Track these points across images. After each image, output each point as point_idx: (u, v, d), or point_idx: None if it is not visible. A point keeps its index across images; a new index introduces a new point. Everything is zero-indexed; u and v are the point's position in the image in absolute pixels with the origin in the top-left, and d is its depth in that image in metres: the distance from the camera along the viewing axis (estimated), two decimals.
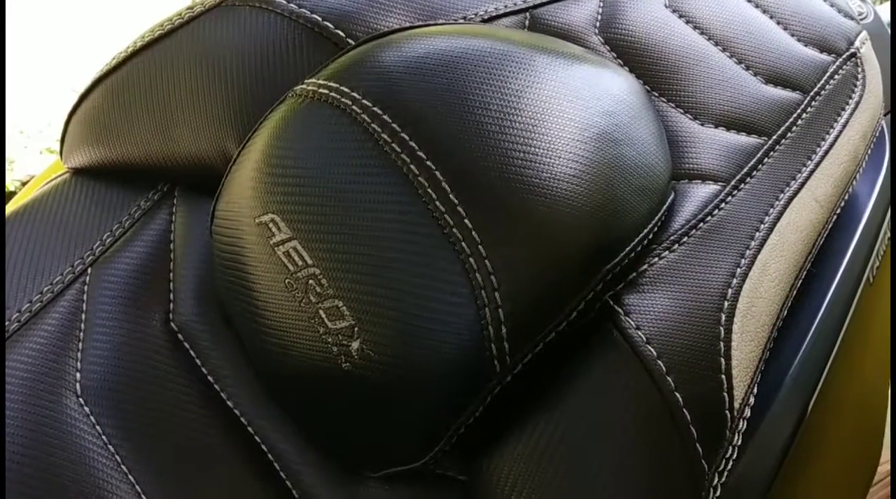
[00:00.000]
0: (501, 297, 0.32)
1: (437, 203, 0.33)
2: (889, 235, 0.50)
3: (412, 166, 0.33)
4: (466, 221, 0.32)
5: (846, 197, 0.44)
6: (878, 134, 0.49)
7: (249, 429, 0.39)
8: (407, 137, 0.34)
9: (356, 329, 0.33)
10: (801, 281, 0.40)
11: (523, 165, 0.33)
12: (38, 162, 1.46)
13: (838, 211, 0.43)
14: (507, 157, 0.33)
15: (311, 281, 0.34)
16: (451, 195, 0.33)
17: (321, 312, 0.34)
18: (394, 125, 0.34)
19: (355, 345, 0.34)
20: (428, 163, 0.33)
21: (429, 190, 0.33)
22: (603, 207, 0.34)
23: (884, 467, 1.11)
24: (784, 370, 0.42)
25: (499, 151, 0.33)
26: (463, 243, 0.32)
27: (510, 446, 0.35)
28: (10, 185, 1.42)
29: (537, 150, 0.34)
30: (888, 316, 0.51)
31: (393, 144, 0.34)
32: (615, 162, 0.35)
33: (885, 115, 0.53)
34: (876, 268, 0.49)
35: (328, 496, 0.38)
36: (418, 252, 0.33)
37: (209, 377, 0.40)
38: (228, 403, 0.39)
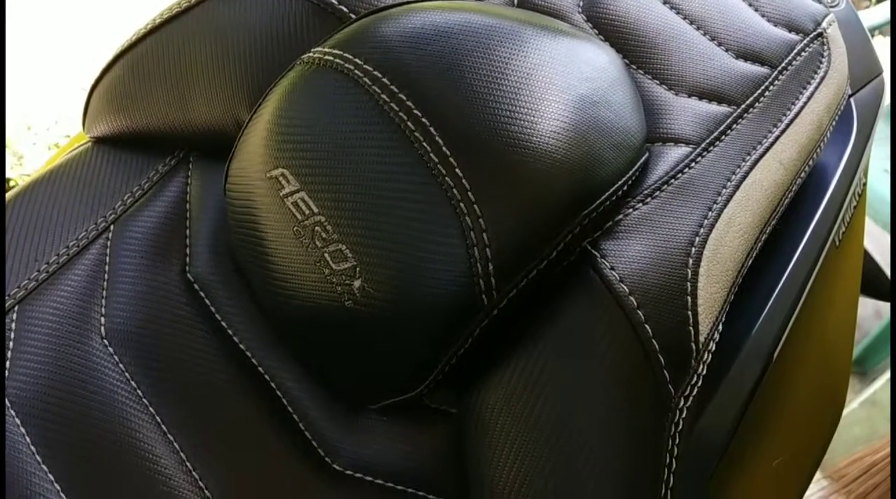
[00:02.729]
0: (489, 237, 0.36)
1: (431, 155, 0.36)
2: (855, 202, 0.54)
3: (409, 123, 0.37)
4: (457, 170, 0.36)
5: (811, 163, 0.47)
6: (843, 111, 0.53)
7: (260, 369, 0.42)
8: (404, 98, 0.37)
9: (358, 270, 0.37)
10: (765, 235, 0.44)
11: (509, 122, 0.37)
12: (47, 158, 1.49)
13: (802, 175, 0.47)
14: (495, 115, 0.37)
15: (317, 228, 0.38)
16: (443, 148, 0.36)
17: (326, 255, 0.38)
18: (392, 87, 0.38)
19: (357, 284, 0.37)
20: (423, 120, 0.37)
21: (423, 144, 0.37)
22: (581, 160, 0.37)
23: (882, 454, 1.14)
24: (752, 322, 0.46)
25: (487, 110, 0.37)
26: (454, 190, 0.36)
27: (496, 381, 0.39)
28: (18, 179, 1.46)
29: (522, 109, 0.37)
30: (853, 278, 0.55)
31: (392, 104, 0.37)
32: (593, 121, 0.38)
33: (851, 95, 0.57)
34: (842, 233, 0.52)
35: (332, 428, 0.41)
36: (414, 199, 0.36)
37: (222, 323, 0.43)
38: (241, 346, 0.43)
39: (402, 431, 0.41)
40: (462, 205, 0.36)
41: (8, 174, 1.47)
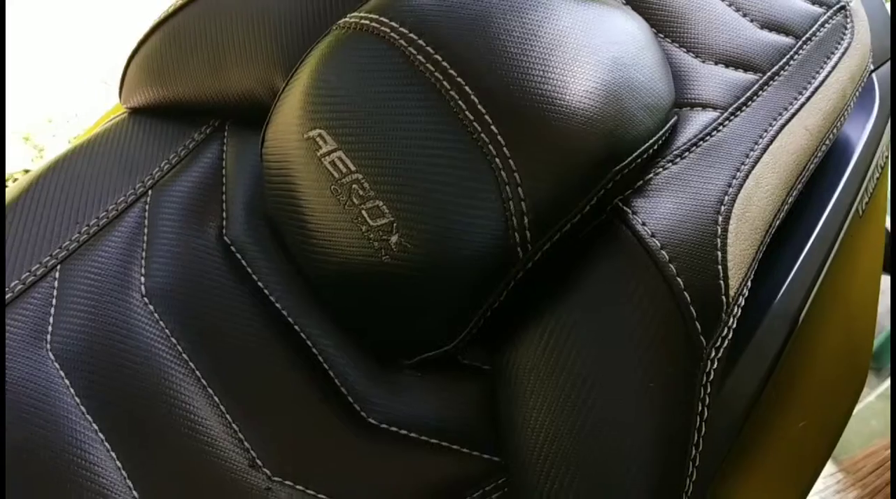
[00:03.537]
0: (524, 192, 0.37)
1: (467, 113, 0.37)
2: (878, 174, 0.55)
3: (444, 83, 0.38)
4: (493, 127, 0.37)
5: (835, 131, 0.48)
6: (866, 83, 0.53)
7: (296, 327, 0.43)
8: (440, 58, 0.38)
9: (395, 225, 0.38)
10: (791, 198, 0.44)
11: (542, 82, 0.38)
12: None
13: (827, 142, 0.47)
14: (528, 74, 0.38)
15: (354, 186, 0.39)
16: (478, 106, 0.37)
17: (363, 212, 0.39)
18: (428, 48, 0.39)
19: (394, 239, 0.38)
20: (458, 79, 0.38)
21: (459, 102, 0.38)
22: (612, 118, 0.38)
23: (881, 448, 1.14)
24: (779, 285, 0.46)
25: (520, 70, 0.38)
26: (490, 146, 0.37)
27: (527, 338, 0.39)
28: None
29: (554, 69, 0.38)
30: (876, 248, 0.55)
31: (427, 65, 0.38)
32: (624, 82, 0.39)
33: (872, 71, 0.58)
34: (865, 203, 0.53)
35: (367, 384, 0.42)
36: (450, 155, 0.37)
37: (259, 284, 0.44)
38: (277, 305, 0.44)
39: (436, 387, 0.42)
40: (497, 160, 0.37)
41: (28, 167, 1.49)
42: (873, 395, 1.26)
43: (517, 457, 0.39)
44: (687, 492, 0.37)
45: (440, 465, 0.40)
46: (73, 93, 1.49)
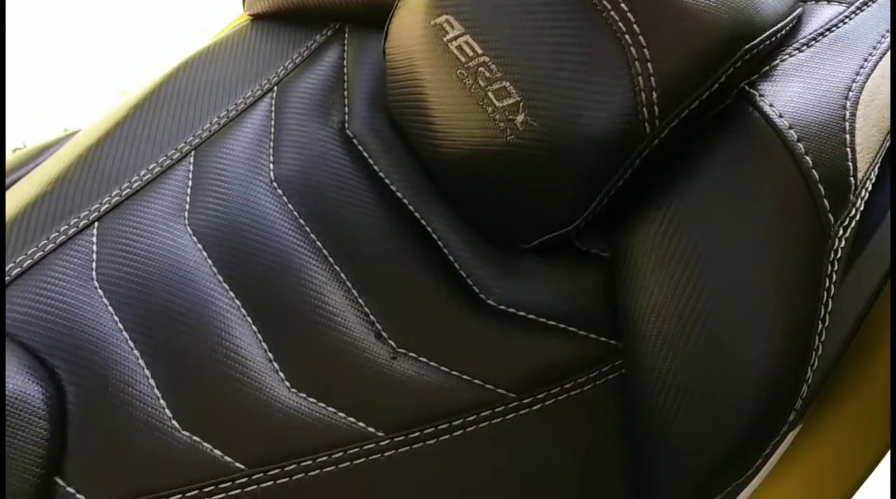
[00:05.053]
0: (653, 67, 0.37)
1: None
2: None
3: None
4: (622, 4, 0.37)
5: None
6: None
7: (416, 214, 0.45)
8: None
9: (521, 104, 0.39)
10: None
11: None
12: None
13: None
14: None
15: (480, 69, 0.40)
16: None
17: (490, 93, 0.40)
18: None
19: (520, 118, 0.39)
20: None
21: None
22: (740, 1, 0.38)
23: None
24: None
25: None
26: (619, 23, 0.37)
27: (651, 218, 0.40)
28: None
29: None
30: None
31: None
32: None
33: None
34: None
35: (486, 270, 0.43)
36: (578, 33, 0.38)
37: (380, 174, 0.46)
38: (398, 194, 0.45)
39: (554, 271, 0.43)
40: (627, 37, 0.37)
41: None
42: None
43: (635, 338, 0.40)
44: (812, 366, 0.37)
45: (558, 346, 0.41)
46: (90, 102, 1.47)
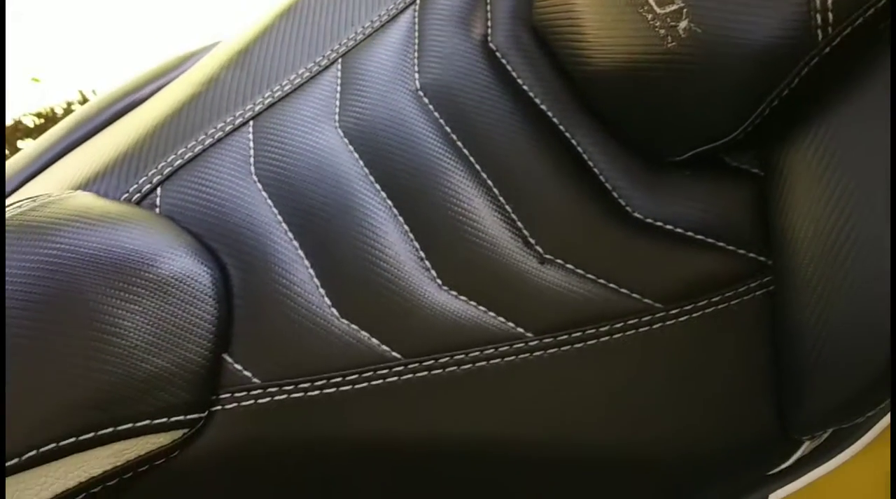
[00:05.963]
0: None
1: None
2: None
3: None
4: None
5: None
6: None
7: (560, 127, 0.45)
8: None
9: (685, 10, 0.38)
10: None
11: None
12: None
13: None
14: None
15: None
16: None
17: (651, 0, 0.39)
18: None
19: (683, 24, 0.39)
20: None
21: None
22: None
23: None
24: None
25: None
26: None
27: (809, 135, 0.39)
28: None
29: None
30: None
31: None
32: None
33: None
34: None
35: (632, 185, 0.43)
36: None
37: (524, 87, 0.46)
38: (542, 107, 0.45)
39: (703, 186, 0.42)
40: None
41: None
42: None
43: (786, 255, 0.39)
44: None
45: (705, 259, 0.41)
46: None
